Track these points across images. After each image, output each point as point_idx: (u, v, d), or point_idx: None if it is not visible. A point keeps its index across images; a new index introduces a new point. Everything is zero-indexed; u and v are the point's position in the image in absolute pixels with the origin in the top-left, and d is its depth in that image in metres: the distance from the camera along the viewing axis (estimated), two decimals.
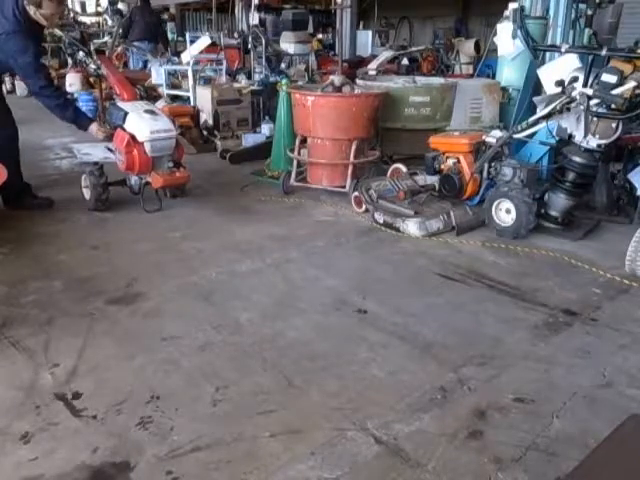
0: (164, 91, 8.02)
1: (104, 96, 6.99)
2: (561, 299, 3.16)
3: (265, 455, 1.97)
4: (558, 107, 3.92)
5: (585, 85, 3.88)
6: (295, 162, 5.10)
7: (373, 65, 8.60)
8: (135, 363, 2.50)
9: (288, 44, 8.15)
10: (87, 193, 4.53)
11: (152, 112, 4.36)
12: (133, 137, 4.23)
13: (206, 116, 6.96)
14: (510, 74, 5.84)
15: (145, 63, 10.85)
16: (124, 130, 4.27)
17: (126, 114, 4.27)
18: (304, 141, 5.11)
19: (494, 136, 4.29)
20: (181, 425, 2.11)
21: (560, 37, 5.69)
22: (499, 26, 5.68)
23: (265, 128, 6.85)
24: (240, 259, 3.64)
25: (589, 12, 5.71)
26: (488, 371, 2.47)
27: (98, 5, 17.54)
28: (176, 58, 8.72)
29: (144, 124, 4.21)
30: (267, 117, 7.03)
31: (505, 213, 4.04)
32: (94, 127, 4.44)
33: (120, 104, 4.40)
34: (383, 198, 4.37)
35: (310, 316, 2.93)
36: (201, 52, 7.91)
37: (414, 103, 5.32)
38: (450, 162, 4.44)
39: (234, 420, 2.14)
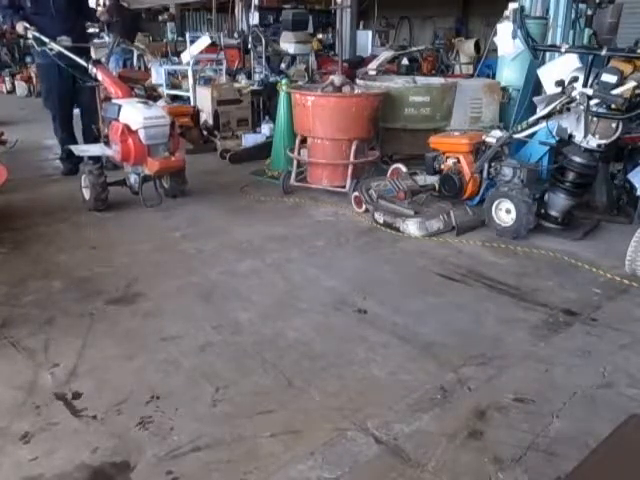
0: (164, 91, 8.03)
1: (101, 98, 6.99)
2: (561, 299, 3.16)
3: (265, 455, 1.97)
4: (558, 107, 3.92)
5: (585, 85, 3.88)
6: (295, 162, 5.10)
7: (373, 65, 8.61)
8: (135, 363, 2.50)
9: (288, 44, 8.15)
10: (87, 193, 4.54)
11: (145, 103, 4.49)
12: (128, 127, 4.29)
13: (206, 116, 6.97)
14: (510, 74, 5.84)
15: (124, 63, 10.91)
16: (118, 121, 4.34)
17: (120, 107, 4.35)
18: (304, 141, 5.11)
19: (494, 136, 4.30)
20: (181, 425, 2.11)
21: (560, 37, 5.70)
22: (499, 26, 5.68)
23: (265, 128, 6.85)
24: (240, 259, 3.65)
25: (589, 12, 5.74)
26: (488, 371, 2.47)
27: (98, 5, 17.52)
28: (176, 58, 8.73)
29: (137, 112, 4.30)
30: (267, 117, 7.04)
31: (505, 213, 4.04)
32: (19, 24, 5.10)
33: (115, 101, 4.50)
34: (383, 198, 4.37)
35: (310, 316, 2.93)
36: (201, 52, 7.91)
37: (414, 103, 5.33)
38: (450, 162, 4.44)
39: (234, 420, 2.14)
